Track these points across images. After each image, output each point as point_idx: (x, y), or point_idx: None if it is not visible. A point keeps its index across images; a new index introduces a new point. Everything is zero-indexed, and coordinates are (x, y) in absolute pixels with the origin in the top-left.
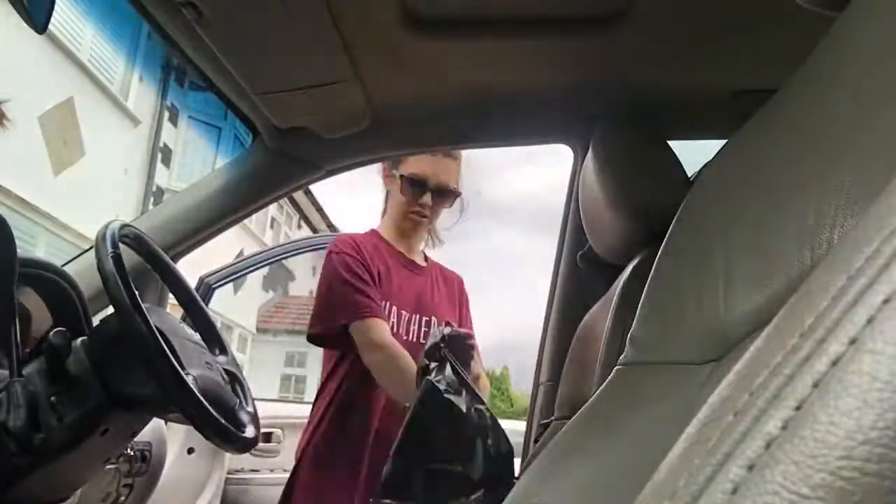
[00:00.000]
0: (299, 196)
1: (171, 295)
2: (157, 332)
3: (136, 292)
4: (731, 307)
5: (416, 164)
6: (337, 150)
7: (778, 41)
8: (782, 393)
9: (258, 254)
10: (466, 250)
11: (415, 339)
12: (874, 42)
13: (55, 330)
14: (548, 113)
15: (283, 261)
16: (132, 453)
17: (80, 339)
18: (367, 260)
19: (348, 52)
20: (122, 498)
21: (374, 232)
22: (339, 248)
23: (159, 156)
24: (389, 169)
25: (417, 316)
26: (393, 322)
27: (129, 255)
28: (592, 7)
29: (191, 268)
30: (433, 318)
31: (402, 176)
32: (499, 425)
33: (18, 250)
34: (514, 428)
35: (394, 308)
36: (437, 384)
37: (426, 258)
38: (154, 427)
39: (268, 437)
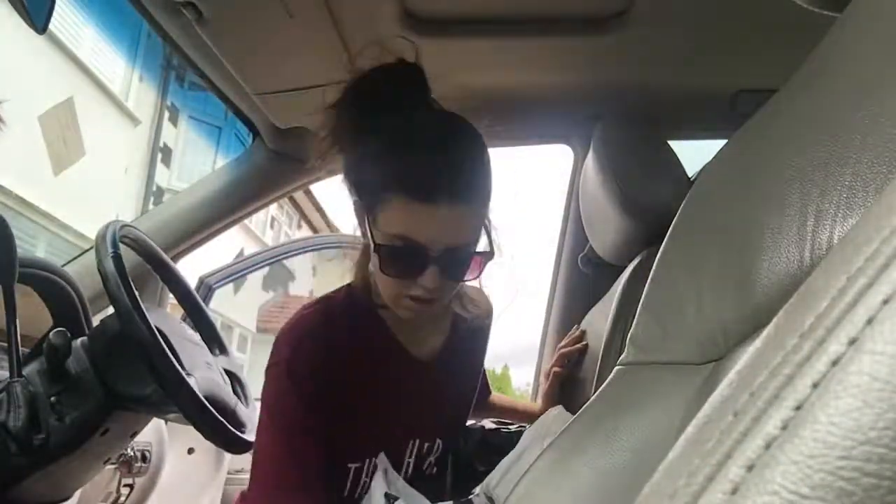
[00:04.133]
0: (299, 196)
1: (171, 295)
2: (157, 332)
3: (136, 292)
4: (732, 307)
5: (404, 219)
6: None
7: (778, 41)
8: (782, 393)
9: (258, 254)
10: None
11: (409, 473)
12: (874, 42)
13: (55, 330)
14: (548, 113)
15: (283, 261)
16: (132, 453)
17: (80, 339)
18: (340, 377)
19: (348, 52)
20: (122, 498)
21: (370, 310)
22: (301, 354)
23: (159, 156)
24: (361, 214)
25: (417, 443)
26: (367, 482)
27: (129, 255)
28: (593, 7)
29: (191, 268)
30: (437, 440)
31: (379, 245)
32: None
33: (18, 250)
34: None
35: (374, 463)
36: None
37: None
38: (154, 427)
39: None
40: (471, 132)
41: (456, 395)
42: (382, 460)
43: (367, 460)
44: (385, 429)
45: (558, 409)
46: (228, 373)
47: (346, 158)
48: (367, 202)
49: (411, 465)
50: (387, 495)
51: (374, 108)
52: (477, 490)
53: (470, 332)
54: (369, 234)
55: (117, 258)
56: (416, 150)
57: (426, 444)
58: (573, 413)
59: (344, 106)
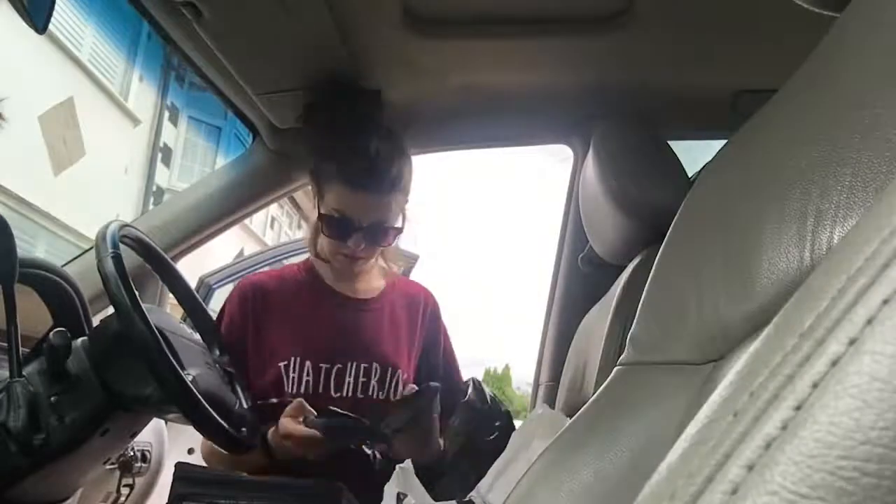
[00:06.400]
0: (299, 196)
1: (171, 295)
2: (157, 332)
3: (136, 292)
4: (732, 307)
5: (339, 200)
6: None
7: (778, 41)
8: (782, 393)
9: (258, 254)
10: None
11: (351, 394)
12: (874, 42)
13: (55, 330)
14: (548, 113)
15: (283, 261)
16: (132, 453)
17: (80, 339)
18: (270, 305)
19: (348, 52)
20: (123, 498)
21: (305, 265)
22: (235, 291)
23: (159, 156)
24: (313, 198)
25: (354, 364)
26: (308, 381)
27: (129, 255)
28: (592, 7)
29: (191, 268)
30: (374, 364)
31: (321, 214)
32: None
33: (18, 250)
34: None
35: (307, 364)
36: None
37: (385, 282)
38: (154, 427)
39: None
40: (395, 143)
41: (391, 336)
42: (408, 464)
43: (292, 359)
44: (309, 337)
45: (542, 409)
46: (228, 373)
47: (310, 150)
48: (318, 183)
49: (351, 384)
50: (398, 494)
51: (330, 123)
52: (471, 495)
53: (406, 297)
54: (317, 206)
55: (117, 258)
56: (353, 155)
57: (363, 366)
58: (573, 413)
59: (309, 116)
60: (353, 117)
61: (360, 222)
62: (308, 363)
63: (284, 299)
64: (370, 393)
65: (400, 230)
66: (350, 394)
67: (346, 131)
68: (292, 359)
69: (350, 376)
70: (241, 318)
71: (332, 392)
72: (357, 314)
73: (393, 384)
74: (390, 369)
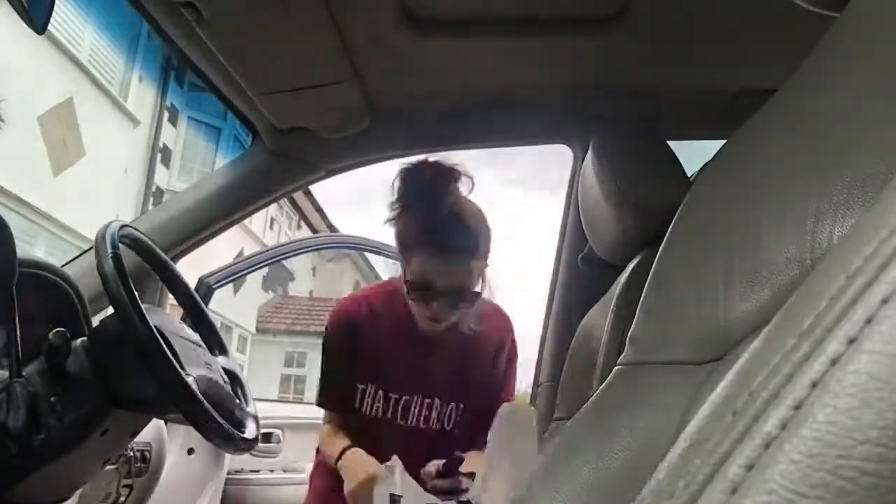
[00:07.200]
0: (299, 196)
1: (171, 295)
2: (156, 333)
3: (136, 293)
4: (731, 307)
5: (424, 267)
6: (337, 151)
7: (778, 41)
8: (781, 393)
9: (258, 254)
10: None
11: (413, 423)
12: (874, 42)
13: (55, 330)
14: (548, 113)
15: (283, 261)
16: (132, 453)
17: (80, 339)
18: (358, 336)
19: (348, 52)
20: (122, 498)
21: (397, 292)
22: (332, 320)
23: (159, 156)
24: (401, 259)
25: (419, 398)
26: (378, 407)
27: (129, 256)
28: (592, 7)
29: (191, 268)
30: (435, 399)
31: (407, 280)
32: None
33: (18, 250)
34: None
35: (379, 392)
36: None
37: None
38: (154, 427)
39: (267, 438)
40: (476, 214)
41: (458, 371)
42: (396, 462)
43: (368, 385)
44: (386, 368)
45: (505, 407)
46: (228, 373)
47: (395, 224)
48: (404, 251)
49: (415, 414)
50: (391, 496)
51: (413, 197)
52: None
53: (486, 331)
54: (404, 271)
55: (117, 258)
56: (436, 227)
57: (426, 401)
58: (573, 413)
59: (395, 191)
60: (436, 193)
61: (443, 289)
62: (380, 392)
63: (374, 333)
64: (431, 423)
65: (479, 294)
66: (413, 423)
67: (432, 205)
68: (368, 385)
69: (415, 407)
70: (338, 350)
71: (399, 420)
72: (431, 348)
73: (451, 418)
74: (454, 405)
